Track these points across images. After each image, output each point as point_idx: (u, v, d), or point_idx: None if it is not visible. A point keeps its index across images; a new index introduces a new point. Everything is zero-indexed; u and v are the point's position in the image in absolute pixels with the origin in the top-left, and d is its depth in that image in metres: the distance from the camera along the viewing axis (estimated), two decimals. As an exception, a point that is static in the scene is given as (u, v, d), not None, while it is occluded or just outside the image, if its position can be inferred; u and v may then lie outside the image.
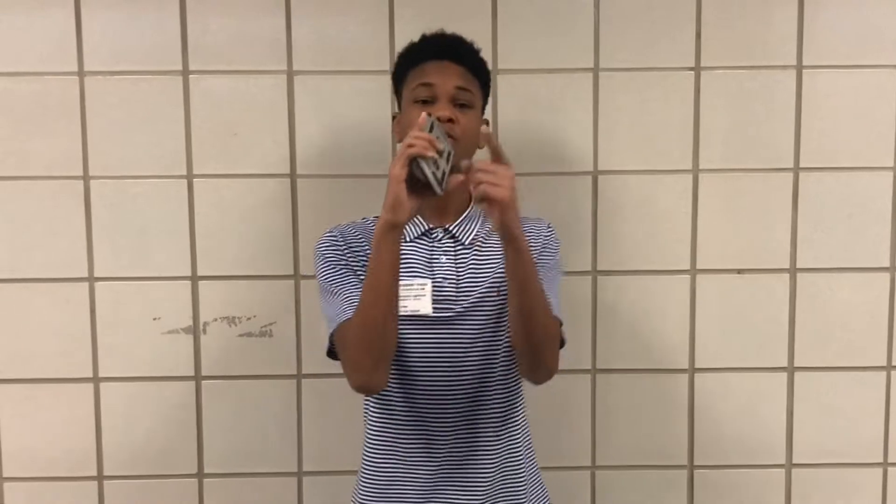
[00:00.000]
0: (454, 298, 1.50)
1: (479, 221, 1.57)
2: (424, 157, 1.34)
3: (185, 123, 1.92)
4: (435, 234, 1.55)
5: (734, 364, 1.98)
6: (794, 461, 2.01)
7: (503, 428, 1.56)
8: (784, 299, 1.97)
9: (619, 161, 1.94)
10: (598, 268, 1.96)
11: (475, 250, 1.54)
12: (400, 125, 1.55)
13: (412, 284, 1.49)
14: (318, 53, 1.91)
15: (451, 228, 1.55)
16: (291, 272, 1.95)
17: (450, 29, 1.88)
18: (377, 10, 1.91)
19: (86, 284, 1.94)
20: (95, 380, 1.97)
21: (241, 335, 1.97)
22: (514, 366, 1.55)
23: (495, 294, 1.51)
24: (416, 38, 1.59)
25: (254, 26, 1.91)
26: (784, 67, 1.93)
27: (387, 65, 1.91)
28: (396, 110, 1.63)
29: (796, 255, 1.96)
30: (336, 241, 1.55)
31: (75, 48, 1.90)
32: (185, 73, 1.91)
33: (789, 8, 1.93)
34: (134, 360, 1.96)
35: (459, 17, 1.90)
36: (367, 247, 1.53)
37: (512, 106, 1.93)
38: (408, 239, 1.53)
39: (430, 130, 1.38)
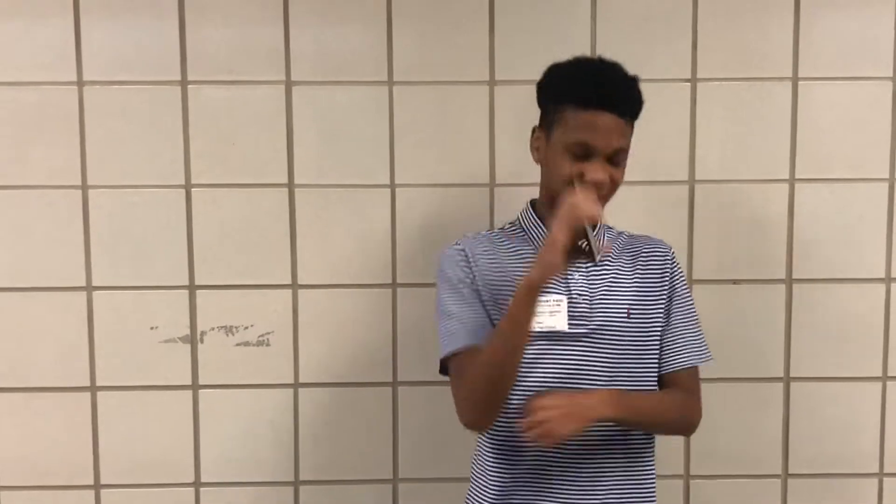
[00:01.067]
0: (588, 315, 1.51)
1: (605, 240, 1.60)
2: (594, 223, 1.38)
3: (183, 133, 1.92)
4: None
5: (730, 374, 1.99)
6: (791, 471, 2.02)
7: (628, 458, 1.56)
8: (780, 309, 1.98)
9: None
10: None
11: (605, 267, 1.55)
12: (543, 156, 1.54)
13: (548, 300, 1.49)
14: (316, 63, 1.92)
15: (582, 245, 1.51)
16: (289, 281, 1.96)
17: (448, 40, 1.92)
18: (375, 20, 1.92)
19: (84, 293, 1.95)
20: (93, 388, 1.97)
21: (238, 344, 1.97)
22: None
23: (626, 315, 1.53)
24: (570, 58, 1.55)
25: (252, 36, 1.91)
26: (780, 79, 1.94)
27: (385, 75, 1.92)
28: (535, 124, 1.60)
29: (792, 265, 1.97)
30: (464, 257, 1.54)
31: (74, 58, 1.91)
32: (184, 82, 1.92)
33: (785, 20, 1.94)
34: (131, 369, 1.96)
35: (457, 28, 1.92)
36: (496, 265, 1.54)
37: (510, 118, 1.93)
38: None
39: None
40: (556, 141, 1.50)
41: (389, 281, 1.95)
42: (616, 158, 1.48)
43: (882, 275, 1.98)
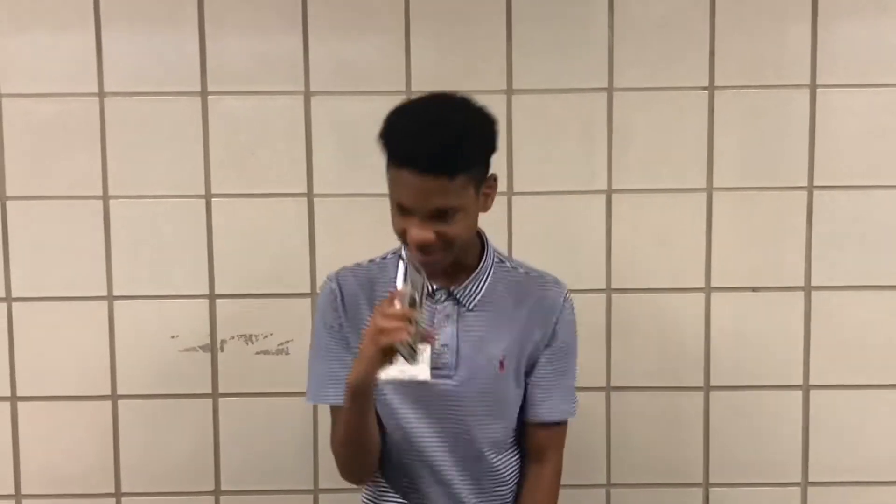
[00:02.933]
0: (452, 364, 1.45)
1: (487, 283, 1.48)
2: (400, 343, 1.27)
3: (203, 143, 1.94)
4: (438, 296, 1.46)
5: (749, 382, 1.99)
6: (810, 479, 2.01)
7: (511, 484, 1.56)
8: (799, 317, 1.98)
9: (634, 180, 1.95)
10: (613, 286, 1.97)
11: (485, 313, 1.46)
12: (390, 208, 1.41)
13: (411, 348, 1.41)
14: (335, 74, 1.93)
15: (454, 292, 1.46)
16: (308, 290, 1.97)
17: (465, 50, 1.92)
18: (394, 31, 1.93)
19: (105, 303, 1.96)
20: (114, 397, 1.98)
21: (257, 353, 1.98)
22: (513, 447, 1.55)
23: (498, 367, 1.46)
24: (405, 102, 1.43)
25: (272, 48, 1.93)
26: (798, 86, 1.94)
27: (403, 85, 1.93)
28: None
29: (811, 272, 1.97)
30: (334, 301, 1.48)
31: (95, 69, 1.93)
32: (204, 93, 1.93)
33: (802, 27, 1.94)
34: (152, 377, 1.97)
35: (474, 38, 1.93)
36: (365, 307, 1.47)
37: (527, 126, 1.94)
38: None
39: (405, 276, 1.33)
40: (389, 195, 1.40)
41: (408, 289, 1.96)
42: (443, 216, 1.33)
43: (901, 282, 1.98)
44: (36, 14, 1.92)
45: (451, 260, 1.41)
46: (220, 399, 1.99)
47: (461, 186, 1.34)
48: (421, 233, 1.34)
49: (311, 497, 2.01)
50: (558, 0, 1.93)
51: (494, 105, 1.90)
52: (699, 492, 2.01)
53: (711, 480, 2.01)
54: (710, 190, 1.96)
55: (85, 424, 1.98)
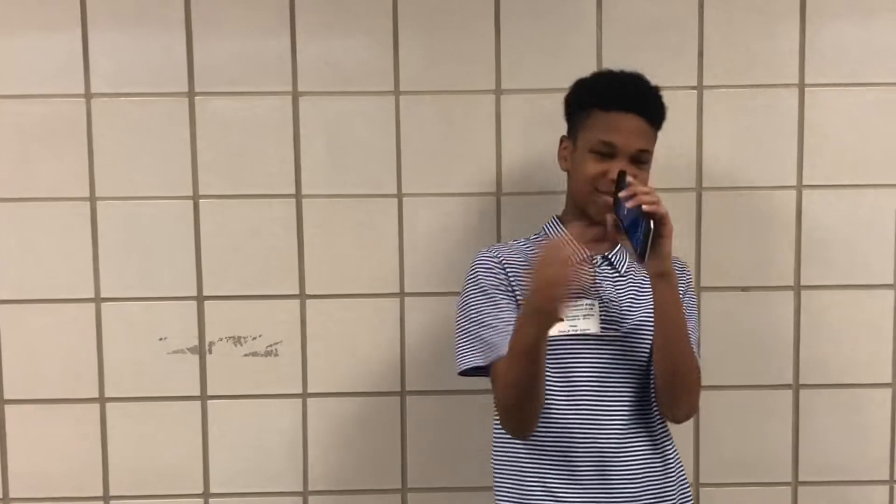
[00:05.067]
0: (619, 319, 1.57)
1: (625, 254, 1.64)
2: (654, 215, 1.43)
3: (191, 144, 1.93)
4: (595, 261, 1.61)
5: (739, 382, 1.98)
6: (801, 479, 2.01)
7: (664, 443, 1.62)
8: (788, 317, 1.98)
9: (623, 179, 1.94)
10: (603, 286, 1.97)
11: (630, 279, 1.62)
12: (570, 163, 1.62)
13: (581, 304, 1.54)
14: (323, 74, 1.92)
15: (609, 256, 1.63)
16: (297, 292, 1.96)
17: (454, 49, 1.92)
18: (381, 31, 1.92)
19: (92, 305, 1.95)
20: (101, 400, 1.97)
21: (246, 355, 1.97)
22: None
23: (651, 321, 1.56)
24: (601, 70, 1.65)
25: (259, 48, 1.92)
26: (787, 85, 1.94)
27: (391, 86, 1.92)
28: (563, 134, 1.67)
29: (800, 272, 1.97)
30: (496, 264, 1.59)
31: (82, 70, 1.91)
32: (192, 94, 1.92)
33: (791, 26, 1.94)
34: (140, 380, 1.96)
35: (463, 37, 1.92)
36: (526, 268, 1.55)
37: (515, 126, 1.94)
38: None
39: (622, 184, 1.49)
40: (581, 145, 1.58)
41: (397, 290, 1.95)
42: (640, 160, 1.55)
43: (891, 280, 1.97)
44: (22, 15, 1.91)
45: None
46: (209, 401, 1.98)
47: (653, 140, 1.59)
48: (626, 167, 1.52)
49: (300, 499, 2.00)
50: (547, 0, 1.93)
51: (483, 106, 1.93)
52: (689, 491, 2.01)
53: (702, 480, 2.01)
54: (699, 189, 1.96)
55: (73, 427, 1.97)
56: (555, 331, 1.47)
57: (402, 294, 1.96)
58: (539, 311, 1.40)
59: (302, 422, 1.99)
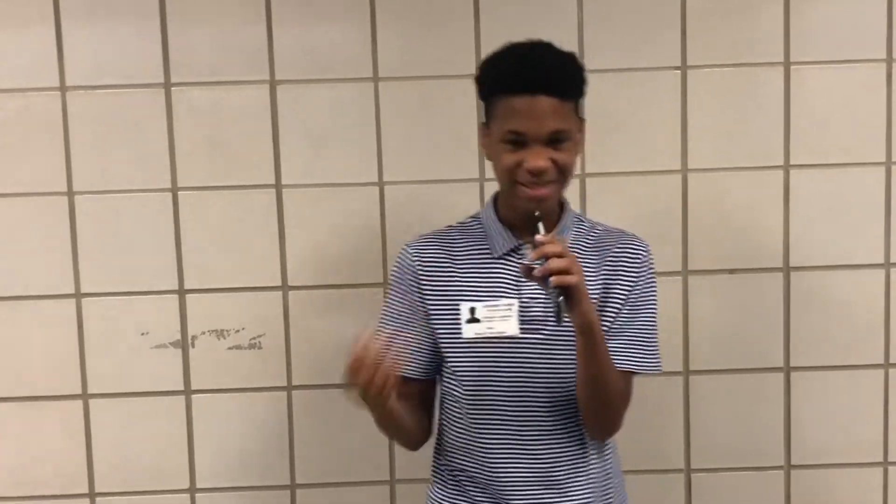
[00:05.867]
0: (543, 320, 1.45)
1: (570, 235, 1.50)
2: None
3: (168, 136, 1.91)
4: (523, 251, 1.47)
5: (729, 366, 1.96)
6: (793, 462, 1.99)
7: (591, 451, 1.53)
8: (778, 299, 1.95)
9: (608, 163, 1.92)
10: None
11: None
12: (489, 150, 1.48)
13: (499, 305, 1.45)
14: (300, 62, 1.90)
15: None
16: (279, 283, 1.94)
17: (432, 34, 1.89)
18: (359, 17, 1.89)
19: (73, 301, 1.93)
20: (85, 396, 1.95)
21: (229, 348, 1.95)
22: None
23: None
24: (501, 46, 1.45)
25: (235, 37, 1.89)
26: (771, 64, 1.91)
27: (369, 72, 1.90)
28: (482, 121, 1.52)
29: (789, 253, 1.94)
30: (408, 265, 1.51)
31: (56, 63, 1.89)
32: (168, 85, 1.90)
33: (775, 4, 1.91)
34: (123, 375, 1.94)
35: (441, 21, 1.90)
36: (449, 268, 1.49)
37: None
38: (495, 255, 1.49)
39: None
40: (494, 134, 1.44)
41: (381, 280, 1.93)
42: (557, 140, 1.40)
43: (881, 260, 1.95)
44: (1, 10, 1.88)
45: (559, 198, 1.46)
46: (193, 395, 1.96)
47: (570, 112, 1.43)
48: (538, 158, 1.39)
49: (287, 492, 1.98)
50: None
51: (463, 90, 1.90)
52: (681, 478, 1.99)
53: (693, 466, 1.99)
54: (685, 172, 1.93)
55: (56, 424, 1.95)
56: (470, 333, 1.43)
57: (384, 284, 1.93)
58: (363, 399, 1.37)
59: (288, 414, 1.97)
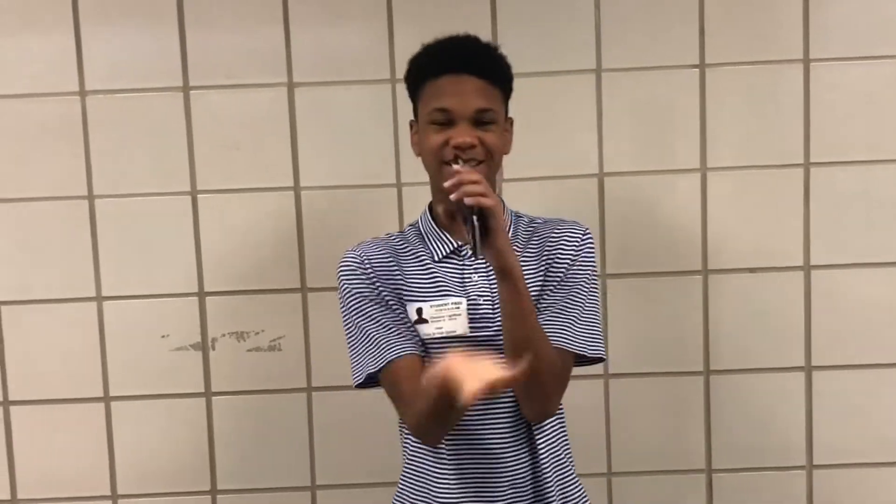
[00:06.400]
0: (490, 316, 1.44)
1: (511, 231, 1.48)
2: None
3: (187, 139, 1.91)
4: (464, 252, 1.47)
5: (750, 365, 1.95)
6: (815, 462, 1.97)
7: (542, 443, 1.49)
8: (799, 297, 1.94)
9: (626, 163, 1.91)
10: (608, 271, 1.94)
11: None
12: (418, 145, 1.48)
13: (446, 304, 1.43)
14: (318, 64, 1.90)
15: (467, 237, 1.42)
16: (298, 285, 1.94)
17: (448, 34, 1.88)
18: (376, 19, 1.90)
19: (94, 304, 1.94)
20: (106, 398, 1.96)
21: (249, 350, 1.96)
22: None
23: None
24: (428, 41, 1.49)
25: (253, 39, 1.90)
26: (791, 61, 1.90)
27: (387, 73, 1.90)
28: (411, 118, 1.54)
29: (810, 251, 1.93)
30: (362, 268, 1.46)
31: (76, 67, 1.90)
32: (186, 88, 1.91)
33: (794, 1, 1.89)
34: (144, 377, 1.95)
35: (460, 21, 1.86)
36: (395, 269, 1.47)
37: (515, 110, 1.89)
38: (436, 259, 1.48)
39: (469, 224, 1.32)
40: (421, 121, 1.46)
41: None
42: (482, 120, 1.41)
43: (903, 258, 1.93)
44: (14, 14, 1.90)
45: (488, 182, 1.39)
46: (214, 397, 1.96)
47: (497, 98, 1.45)
48: (464, 133, 1.39)
49: (308, 494, 1.99)
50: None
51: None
52: (702, 478, 1.98)
53: (714, 466, 1.97)
54: (703, 170, 1.92)
55: (78, 426, 1.97)
56: (421, 335, 1.41)
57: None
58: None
59: (307, 415, 1.97)
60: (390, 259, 1.48)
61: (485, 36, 1.84)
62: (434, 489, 1.48)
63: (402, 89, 1.87)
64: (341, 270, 1.48)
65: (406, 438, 1.53)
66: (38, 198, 1.92)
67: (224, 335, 1.95)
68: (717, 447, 1.97)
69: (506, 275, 1.33)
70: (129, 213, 1.92)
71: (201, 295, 1.94)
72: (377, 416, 1.95)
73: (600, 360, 1.48)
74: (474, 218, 1.30)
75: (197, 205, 1.93)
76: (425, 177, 1.89)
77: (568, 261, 1.46)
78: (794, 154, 1.91)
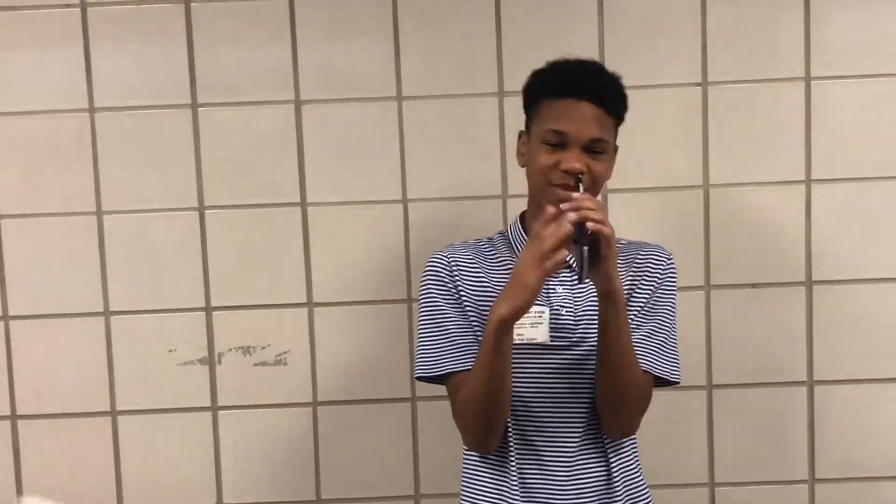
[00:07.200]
0: (572, 327, 1.48)
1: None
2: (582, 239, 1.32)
3: (195, 156, 1.93)
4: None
5: (753, 380, 1.96)
6: (818, 476, 1.98)
7: (614, 456, 1.52)
8: (801, 312, 1.95)
9: (630, 180, 1.93)
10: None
11: (591, 284, 1.46)
12: (526, 157, 1.51)
13: (529, 312, 1.43)
14: (325, 82, 1.92)
15: (568, 260, 1.44)
16: (305, 300, 1.96)
17: (453, 53, 1.91)
18: (382, 36, 1.92)
19: (101, 318, 1.96)
20: (113, 413, 1.97)
21: (256, 364, 1.97)
22: None
23: None
24: (555, 59, 1.51)
25: (260, 57, 1.92)
26: (792, 79, 1.92)
27: (393, 91, 1.92)
28: (521, 128, 1.55)
29: (811, 267, 1.94)
30: (447, 271, 1.51)
31: (85, 85, 1.92)
32: (195, 105, 1.93)
33: (795, 18, 1.91)
34: (151, 392, 1.97)
35: (464, 40, 1.92)
36: (480, 274, 1.50)
37: (519, 127, 1.92)
38: None
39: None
40: (534, 136, 1.48)
41: (405, 297, 1.95)
42: (594, 149, 1.44)
43: (903, 274, 1.95)
44: (25, 32, 1.92)
45: None
46: (220, 412, 1.98)
47: (610, 128, 1.48)
48: (576, 159, 1.42)
49: (314, 508, 2.00)
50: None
51: (486, 108, 1.92)
52: (705, 492, 1.99)
53: (717, 480, 1.98)
54: (706, 187, 1.94)
55: (86, 441, 1.98)
56: None
57: (409, 300, 1.95)
58: (519, 284, 1.34)
59: (313, 430, 1.98)
60: (476, 263, 1.52)
61: (490, 55, 1.91)
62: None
63: (407, 106, 1.92)
64: (426, 269, 1.54)
65: (468, 457, 1.56)
66: (48, 213, 1.94)
67: (231, 350, 1.97)
68: (720, 461, 1.98)
69: (611, 298, 1.38)
70: (137, 228, 1.94)
71: (208, 310, 1.96)
72: (382, 430, 1.98)
73: (676, 383, 1.53)
74: (584, 248, 1.32)
75: (204, 221, 1.94)
76: (431, 193, 1.94)
77: (654, 286, 1.51)
78: (795, 170, 1.93)
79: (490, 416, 1.44)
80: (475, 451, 1.52)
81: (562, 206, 1.36)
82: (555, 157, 1.44)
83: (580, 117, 1.43)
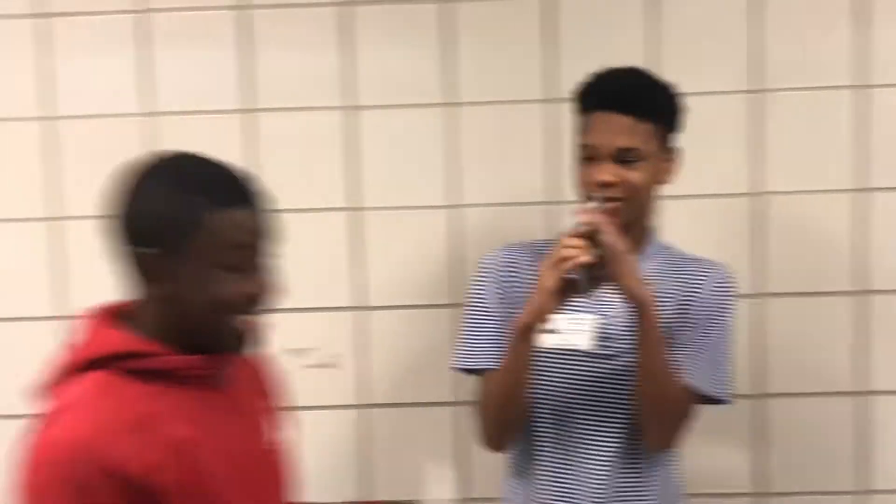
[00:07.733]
0: (618, 337, 1.47)
1: (650, 265, 1.49)
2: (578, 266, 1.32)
3: (254, 160, 1.96)
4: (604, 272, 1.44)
5: (806, 389, 1.96)
6: (872, 487, 1.97)
7: (652, 469, 1.52)
8: (857, 322, 1.94)
9: (679, 186, 1.91)
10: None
11: None
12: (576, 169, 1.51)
13: (576, 318, 1.46)
14: (381, 88, 1.95)
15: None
16: (357, 304, 1.99)
17: (509, 54, 1.92)
18: (440, 42, 1.94)
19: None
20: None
21: (307, 366, 1.99)
22: None
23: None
24: (597, 70, 1.51)
25: (317, 63, 1.96)
26: (850, 87, 1.91)
27: (448, 97, 1.95)
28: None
29: (867, 276, 1.94)
30: (496, 267, 1.54)
31: (147, 89, 1.96)
32: (253, 111, 1.96)
33: (851, 26, 1.91)
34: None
35: (519, 47, 1.93)
36: (530, 275, 1.48)
37: (569, 134, 1.93)
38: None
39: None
40: (575, 150, 1.49)
41: (458, 301, 1.95)
42: (624, 159, 1.42)
43: (961, 283, 1.93)
44: (87, 37, 1.97)
45: (629, 219, 1.43)
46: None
47: (646, 133, 1.43)
48: (603, 172, 1.41)
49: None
50: (601, 6, 1.92)
51: (540, 114, 1.93)
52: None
53: (768, 489, 1.97)
54: (760, 195, 1.94)
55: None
56: (545, 342, 1.43)
57: (461, 305, 1.94)
58: (539, 288, 1.35)
59: (364, 432, 2.00)
60: (530, 264, 1.51)
61: (545, 65, 1.91)
62: None
63: (462, 112, 1.95)
64: (479, 265, 1.57)
65: (508, 462, 1.58)
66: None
67: (282, 352, 1.98)
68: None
69: (642, 307, 1.37)
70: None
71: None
72: (430, 433, 1.99)
73: (727, 402, 1.51)
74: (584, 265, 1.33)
75: (261, 224, 1.97)
76: (483, 198, 1.96)
77: (709, 303, 1.49)
78: (853, 178, 1.92)
79: (500, 417, 1.48)
80: (487, 449, 1.54)
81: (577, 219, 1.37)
82: (587, 171, 1.44)
83: (606, 129, 1.43)
